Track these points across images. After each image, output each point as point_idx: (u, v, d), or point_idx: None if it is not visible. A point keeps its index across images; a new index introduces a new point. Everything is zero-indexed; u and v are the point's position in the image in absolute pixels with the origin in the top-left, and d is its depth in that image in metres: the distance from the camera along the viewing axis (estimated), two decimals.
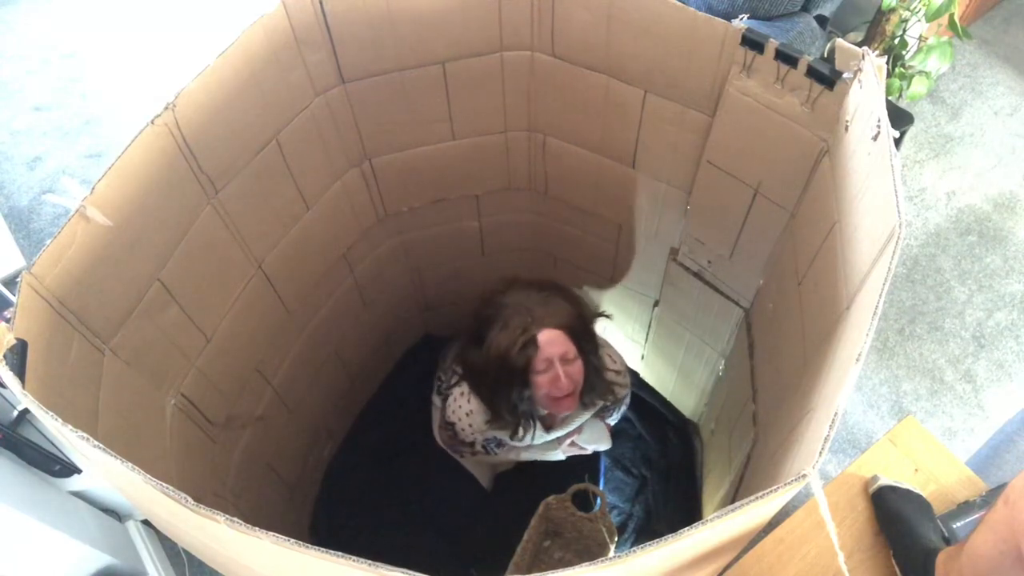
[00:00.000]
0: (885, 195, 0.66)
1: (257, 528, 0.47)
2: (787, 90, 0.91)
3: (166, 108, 0.82)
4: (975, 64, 2.53)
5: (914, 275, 2.05)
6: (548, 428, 1.35)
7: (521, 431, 1.29)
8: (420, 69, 1.10)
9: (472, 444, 1.36)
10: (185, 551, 1.55)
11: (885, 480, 1.02)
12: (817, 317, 0.84)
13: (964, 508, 1.00)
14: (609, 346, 1.39)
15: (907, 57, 1.96)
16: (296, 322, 1.26)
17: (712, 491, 1.46)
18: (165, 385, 0.94)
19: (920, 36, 2.00)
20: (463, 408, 1.30)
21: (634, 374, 1.71)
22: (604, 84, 1.10)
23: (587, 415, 1.39)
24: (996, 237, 2.12)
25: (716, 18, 0.91)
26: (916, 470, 1.06)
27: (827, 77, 0.85)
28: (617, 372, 1.36)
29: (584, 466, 1.53)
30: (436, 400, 1.48)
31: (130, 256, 0.82)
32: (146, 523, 1.53)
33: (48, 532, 1.19)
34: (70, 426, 0.53)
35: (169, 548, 1.56)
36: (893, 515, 0.98)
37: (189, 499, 0.49)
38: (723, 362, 1.40)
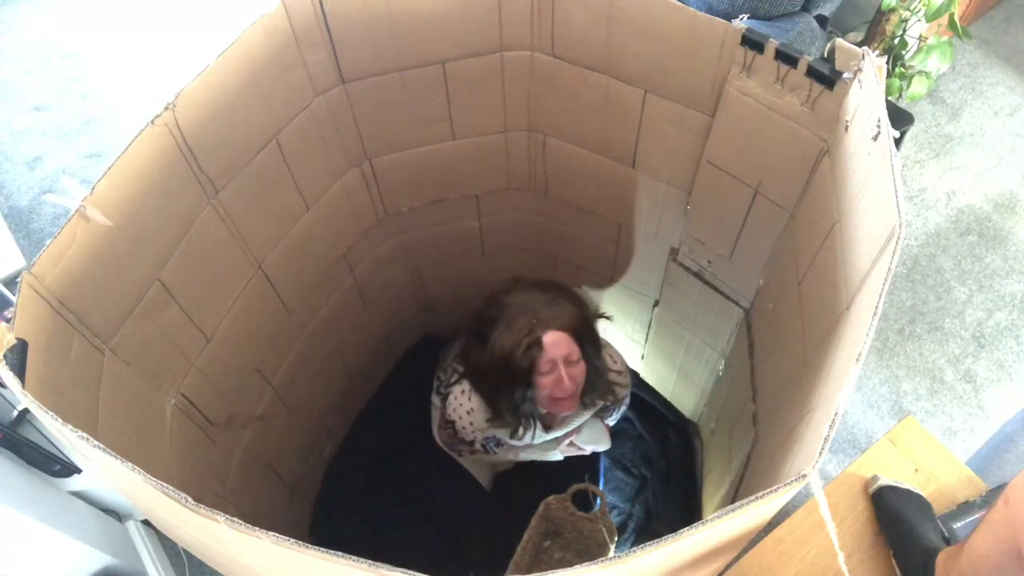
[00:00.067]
0: (885, 195, 0.66)
1: (257, 528, 0.47)
2: (787, 90, 0.91)
3: (166, 108, 0.82)
4: (975, 64, 2.53)
5: (914, 275, 2.05)
6: (547, 428, 1.35)
7: (521, 430, 1.29)
8: (420, 69, 1.10)
9: (472, 443, 1.36)
10: (185, 551, 1.55)
11: (885, 480, 1.02)
12: (817, 317, 0.84)
13: (964, 508, 1.00)
14: (610, 346, 1.39)
15: (907, 57, 1.96)
16: (296, 322, 1.26)
17: (712, 491, 1.46)
18: (165, 385, 0.94)
19: (920, 36, 2.00)
20: (464, 406, 1.30)
21: (634, 374, 1.71)
22: (604, 84, 1.10)
23: (587, 415, 1.39)
24: (996, 237, 2.12)
25: (716, 18, 0.91)
26: (916, 470, 1.06)
27: (827, 77, 0.85)
28: (618, 373, 1.36)
29: (584, 466, 1.53)
30: (435, 400, 1.48)
31: (130, 256, 0.82)
32: (146, 523, 1.53)
33: (48, 532, 1.19)
34: (70, 426, 0.53)
35: (169, 548, 1.56)
36: (893, 515, 0.98)
37: (189, 499, 0.49)
38: (723, 362, 1.40)
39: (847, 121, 0.83)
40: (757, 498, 0.49)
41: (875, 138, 0.72)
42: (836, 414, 0.53)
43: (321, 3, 0.97)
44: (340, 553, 0.46)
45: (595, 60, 1.08)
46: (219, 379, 1.06)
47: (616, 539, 1.40)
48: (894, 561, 0.96)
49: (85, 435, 0.53)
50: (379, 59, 1.07)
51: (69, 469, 1.27)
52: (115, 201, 0.77)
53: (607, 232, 1.39)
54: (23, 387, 0.59)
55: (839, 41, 0.83)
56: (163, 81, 2.54)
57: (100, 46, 2.69)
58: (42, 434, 1.25)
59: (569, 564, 0.83)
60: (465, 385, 1.30)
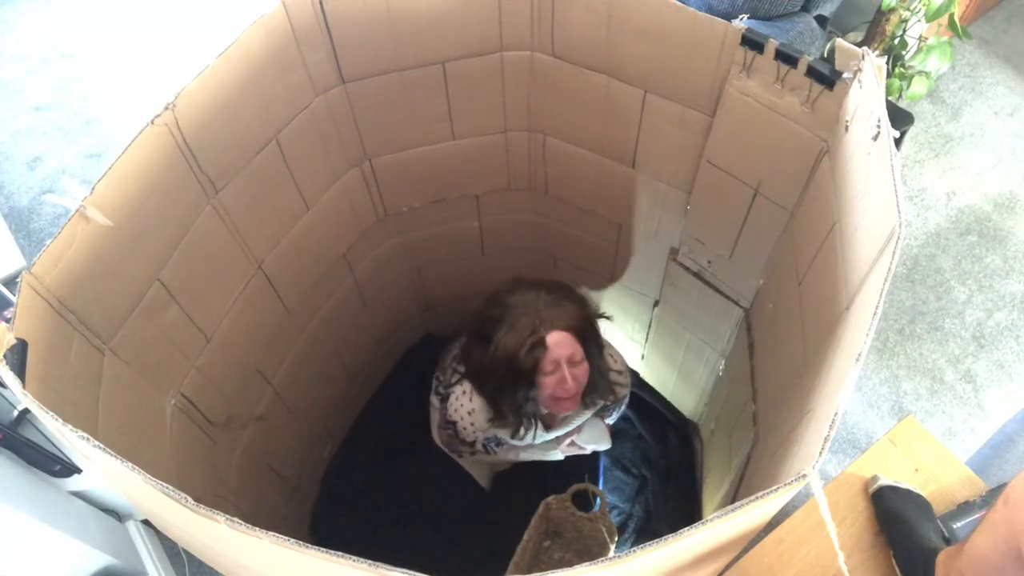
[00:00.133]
0: (885, 195, 0.66)
1: (257, 528, 0.47)
2: (787, 90, 0.91)
3: (166, 108, 0.82)
4: (975, 64, 2.53)
5: (914, 275, 2.05)
6: (548, 427, 1.35)
7: (523, 431, 1.29)
8: (420, 69, 1.10)
9: (473, 443, 1.36)
10: (185, 551, 1.55)
11: (885, 480, 1.02)
12: (817, 317, 0.84)
13: (964, 508, 1.00)
14: (610, 346, 1.39)
15: (907, 57, 1.96)
16: (296, 322, 1.26)
17: (712, 491, 1.46)
18: (165, 385, 0.94)
19: (920, 36, 2.00)
20: (465, 407, 1.30)
21: (634, 374, 1.71)
22: (604, 84, 1.10)
23: (587, 414, 1.39)
24: (996, 237, 2.12)
25: (716, 18, 0.91)
26: (916, 470, 1.06)
27: (827, 77, 0.85)
28: (619, 372, 1.36)
29: (584, 466, 1.53)
30: (434, 400, 1.48)
31: (130, 256, 0.82)
32: (146, 523, 1.53)
33: (48, 532, 1.19)
34: (70, 426, 0.53)
35: (169, 548, 1.56)
36: (893, 515, 0.98)
37: (189, 499, 0.49)
38: (723, 362, 1.40)
39: (847, 121, 0.83)
40: (757, 498, 0.49)
41: (875, 138, 0.72)
42: (836, 414, 0.53)
43: (321, 3, 0.97)
44: (340, 553, 0.46)
45: (595, 60, 1.08)
46: (219, 379, 1.06)
47: (616, 539, 1.40)
48: (894, 561, 0.96)
49: (85, 435, 0.53)
50: (379, 59, 1.07)
51: (69, 469, 1.27)
52: (115, 201, 0.77)
53: (607, 232, 1.39)
54: (23, 387, 0.59)
55: (839, 41, 0.83)
56: (163, 81, 2.54)
57: (100, 46, 2.69)
58: (42, 434, 1.25)
59: (569, 564, 0.83)
60: (466, 386, 1.30)
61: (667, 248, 1.33)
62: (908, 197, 2.20)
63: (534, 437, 1.34)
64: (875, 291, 0.60)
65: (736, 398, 1.26)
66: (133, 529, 1.50)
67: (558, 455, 1.44)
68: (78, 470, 1.29)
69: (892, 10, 1.95)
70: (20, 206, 2.22)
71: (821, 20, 1.91)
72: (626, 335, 1.68)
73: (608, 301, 1.58)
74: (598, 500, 1.39)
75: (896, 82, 1.91)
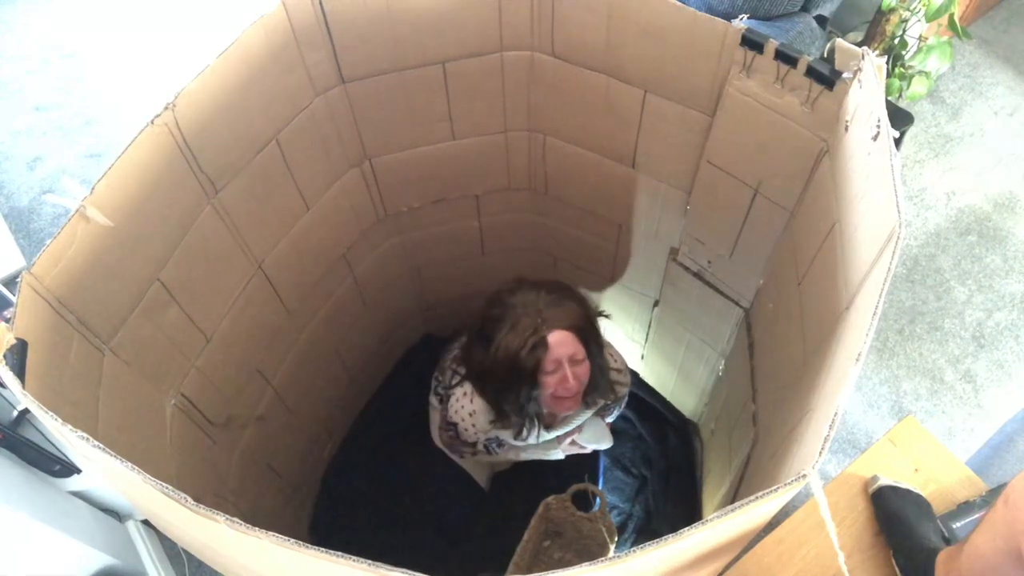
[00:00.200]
0: (885, 195, 0.66)
1: (257, 528, 0.47)
2: (787, 90, 0.91)
3: (166, 108, 0.82)
4: (975, 64, 2.53)
5: (914, 275, 2.05)
6: (548, 427, 1.36)
7: (525, 431, 1.29)
8: (420, 69, 1.10)
9: (474, 444, 1.36)
10: (185, 551, 1.55)
11: (885, 480, 1.02)
12: (817, 317, 0.84)
13: (964, 508, 1.00)
14: (610, 345, 1.39)
15: (907, 57, 1.96)
16: (296, 322, 1.26)
17: (712, 491, 1.46)
18: (165, 385, 0.94)
19: (920, 36, 2.00)
20: (465, 408, 1.30)
21: (634, 374, 1.71)
22: (604, 84, 1.10)
23: (588, 414, 1.39)
24: (996, 237, 2.12)
25: (716, 18, 0.91)
26: (916, 470, 1.06)
27: (827, 77, 0.85)
28: (619, 371, 1.36)
29: (584, 466, 1.53)
30: (433, 401, 1.48)
31: (130, 256, 0.82)
32: (146, 523, 1.53)
33: (48, 532, 1.19)
34: (70, 426, 0.53)
35: (169, 548, 1.56)
36: (893, 515, 0.98)
37: (189, 499, 0.49)
38: (723, 362, 1.40)
39: (847, 121, 0.83)
40: (757, 498, 0.49)
41: (875, 138, 0.72)
42: (836, 414, 0.53)
43: (321, 3, 0.97)
44: (340, 553, 0.46)
45: (595, 60, 1.08)
46: (219, 379, 1.06)
47: (616, 539, 1.40)
48: (894, 561, 0.96)
49: (85, 435, 0.53)
50: (379, 59, 1.07)
51: (69, 469, 1.27)
52: (115, 201, 0.77)
53: (607, 232, 1.39)
54: (23, 387, 0.59)
55: (839, 41, 0.83)
56: (163, 81, 2.54)
57: (100, 46, 2.69)
58: (42, 434, 1.25)
59: (569, 564, 0.83)
60: (467, 387, 1.30)
61: (667, 248, 1.33)
62: (908, 197, 2.20)
63: (536, 437, 1.34)
64: (875, 291, 0.60)
65: (736, 398, 1.26)
66: (133, 529, 1.50)
67: (559, 454, 1.44)
68: (78, 470, 1.29)
69: (892, 10, 1.95)
70: (20, 206, 2.22)
71: (821, 20, 1.91)
72: (626, 335, 1.68)
73: (608, 301, 1.58)
74: (598, 500, 1.39)
75: (896, 82, 1.91)
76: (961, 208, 2.18)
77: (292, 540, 0.47)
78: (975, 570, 0.77)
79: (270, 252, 1.12)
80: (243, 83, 0.91)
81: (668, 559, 0.53)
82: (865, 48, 0.80)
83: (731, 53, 0.93)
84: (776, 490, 0.49)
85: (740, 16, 0.91)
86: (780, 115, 0.94)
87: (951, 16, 1.82)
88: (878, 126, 0.71)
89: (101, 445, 0.52)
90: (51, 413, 0.55)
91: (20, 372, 0.62)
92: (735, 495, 1.12)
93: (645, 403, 1.70)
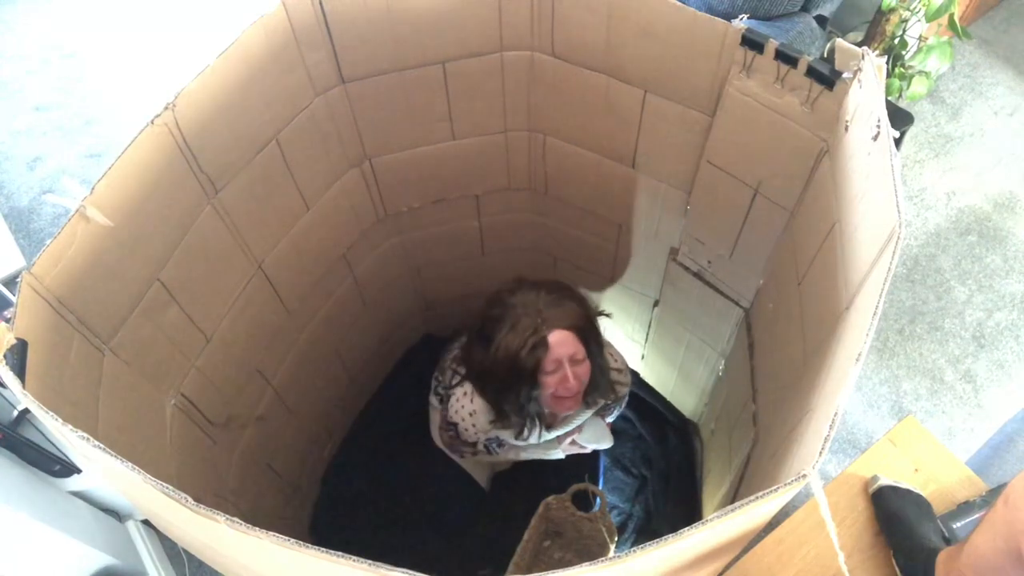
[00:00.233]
0: (885, 195, 0.66)
1: (257, 528, 0.47)
2: (787, 90, 0.91)
3: (166, 108, 0.82)
4: (975, 64, 2.53)
5: (914, 275, 2.05)
6: (548, 427, 1.36)
7: (525, 431, 1.29)
8: (420, 69, 1.10)
9: (474, 444, 1.36)
10: (185, 551, 1.55)
11: (885, 480, 1.02)
12: (817, 317, 0.84)
13: (964, 508, 1.00)
14: (610, 345, 1.39)
15: (907, 57, 1.96)
16: (296, 322, 1.26)
17: (712, 491, 1.46)
18: (165, 385, 0.94)
19: (920, 36, 2.00)
20: (466, 408, 1.30)
21: (634, 374, 1.71)
22: (604, 84, 1.10)
23: (588, 413, 1.39)
24: (996, 237, 2.12)
25: (716, 18, 0.91)
26: (916, 470, 1.06)
27: (827, 77, 0.85)
28: (619, 371, 1.36)
29: (584, 466, 1.53)
30: (433, 401, 1.48)
31: (130, 256, 0.82)
32: (146, 523, 1.53)
33: (48, 532, 1.19)
34: (70, 426, 0.53)
35: (169, 548, 1.56)
36: (893, 515, 0.98)
37: (189, 499, 0.49)
38: (723, 362, 1.40)
39: (847, 121, 0.83)
40: (757, 498, 0.49)
41: (875, 138, 0.72)
42: (836, 414, 0.53)
43: (321, 3, 0.97)
44: (340, 553, 0.46)
45: (595, 60, 1.08)
46: (219, 379, 1.06)
47: (616, 539, 1.40)
48: (894, 561, 0.96)
49: (85, 435, 0.53)
50: (379, 59, 1.07)
51: (69, 469, 1.27)
52: (115, 201, 0.77)
53: (607, 232, 1.39)
54: (23, 387, 0.59)
55: (839, 41, 0.83)
56: (163, 81, 2.54)
57: (100, 46, 2.69)
58: (42, 434, 1.25)
59: (569, 564, 0.83)
60: (467, 387, 1.30)
61: (667, 248, 1.33)
62: (908, 197, 2.20)
63: (537, 437, 1.34)
64: (875, 291, 0.60)
65: (736, 398, 1.26)
66: (133, 529, 1.50)
67: (559, 454, 1.44)
68: (78, 470, 1.29)
69: (892, 10, 1.95)
70: (20, 206, 2.22)
71: (821, 20, 1.91)
72: (626, 335, 1.68)
73: (608, 301, 1.58)
74: (598, 500, 1.39)
75: (896, 82, 1.91)
76: (961, 208, 2.18)
77: (292, 540, 0.47)
78: (975, 570, 0.77)
79: (270, 252, 1.12)
80: (243, 83, 0.91)
81: (668, 559, 0.53)
82: (865, 48, 0.80)
83: (731, 53, 0.93)
84: (776, 490, 0.49)
85: (740, 16, 0.91)
86: (780, 115, 0.94)
87: (951, 16, 1.83)
88: (878, 126, 0.71)
89: (101, 445, 0.52)
90: (51, 413, 0.55)
91: (20, 372, 0.62)
92: (735, 495, 1.12)
93: (645, 403, 1.70)
